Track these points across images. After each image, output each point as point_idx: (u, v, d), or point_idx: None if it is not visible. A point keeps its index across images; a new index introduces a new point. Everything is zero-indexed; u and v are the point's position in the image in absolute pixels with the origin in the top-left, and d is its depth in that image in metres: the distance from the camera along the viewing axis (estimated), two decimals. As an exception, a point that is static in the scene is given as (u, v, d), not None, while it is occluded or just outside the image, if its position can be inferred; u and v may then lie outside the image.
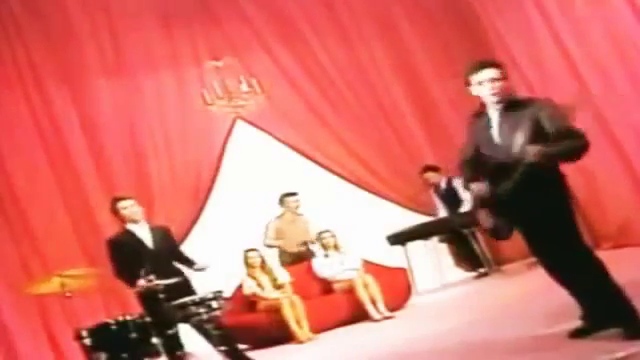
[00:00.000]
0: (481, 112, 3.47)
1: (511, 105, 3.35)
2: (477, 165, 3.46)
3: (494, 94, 3.34)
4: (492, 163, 3.34)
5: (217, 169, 7.82)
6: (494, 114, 3.39)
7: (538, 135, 3.16)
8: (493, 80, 3.34)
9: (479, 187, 3.38)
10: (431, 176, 7.71)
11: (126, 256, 5.08)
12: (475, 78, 3.38)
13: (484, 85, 3.35)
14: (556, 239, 3.24)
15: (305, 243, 7.41)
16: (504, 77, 3.36)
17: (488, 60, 3.52)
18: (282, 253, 7.41)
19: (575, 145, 3.16)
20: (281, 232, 7.41)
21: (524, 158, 3.13)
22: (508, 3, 7.27)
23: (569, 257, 3.24)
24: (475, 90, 3.41)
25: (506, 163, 3.22)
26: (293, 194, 7.49)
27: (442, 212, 7.72)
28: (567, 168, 3.34)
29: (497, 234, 3.44)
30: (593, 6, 6.21)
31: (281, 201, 7.51)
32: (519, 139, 3.18)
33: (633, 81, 6.01)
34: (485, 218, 3.42)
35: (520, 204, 3.23)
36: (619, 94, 6.13)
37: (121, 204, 5.31)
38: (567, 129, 3.16)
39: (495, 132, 3.36)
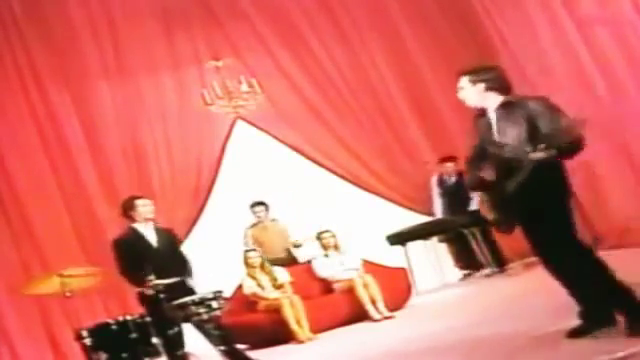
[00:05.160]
0: (483, 112, 3.54)
1: (508, 105, 3.40)
2: (483, 163, 3.49)
3: (465, 102, 3.54)
4: (496, 161, 3.38)
5: (217, 169, 7.83)
6: (492, 114, 3.47)
7: (532, 135, 3.22)
8: (461, 89, 3.53)
9: (488, 173, 3.43)
10: (449, 167, 7.61)
11: (132, 255, 5.10)
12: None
13: (459, 93, 3.56)
14: (555, 236, 3.26)
15: (286, 249, 7.38)
16: (476, 82, 3.46)
17: (467, 67, 3.59)
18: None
19: (566, 146, 3.17)
20: (258, 240, 7.32)
21: (525, 159, 3.17)
22: (510, 3, 7.25)
23: (569, 253, 3.26)
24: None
25: (509, 161, 3.28)
26: (259, 204, 7.42)
27: (438, 206, 7.71)
28: (569, 168, 3.36)
29: (499, 226, 3.52)
30: (599, 6, 6.20)
31: (251, 210, 7.46)
32: (516, 139, 3.26)
33: (638, 81, 6.00)
34: (486, 207, 3.48)
35: (521, 200, 3.26)
36: (623, 94, 6.13)
37: (140, 202, 5.35)
38: (561, 130, 3.18)
39: (495, 132, 3.43)
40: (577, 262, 3.26)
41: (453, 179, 7.64)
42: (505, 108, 3.40)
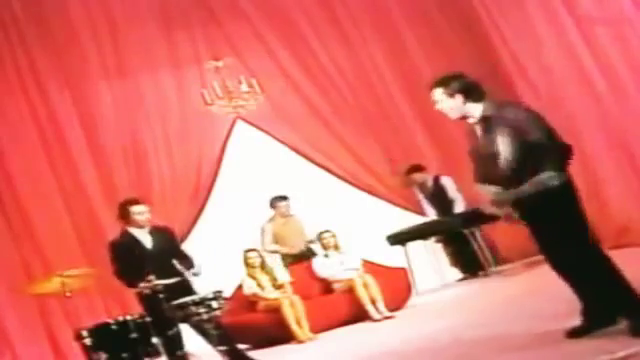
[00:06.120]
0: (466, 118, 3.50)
1: (489, 117, 3.34)
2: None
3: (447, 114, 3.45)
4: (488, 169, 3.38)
5: (217, 169, 7.84)
6: (477, 127, 3.42)
7: (522, 145, 3.19)
8: (437, 102, 3.45)
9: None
10: (417, 177, 7.68)
11: (127, 258, 5.08)
12: None
13: (437, 105, 3.47)
14: (563, 235, 3.25)
15: (307, 241, 7.41)
16: (454, 94, 3.38)
17: (439, 78, 3.51)
18: (284, 255, 7.37)
19: (546, 180, 3.14)
20: (279, 236, 7.36)
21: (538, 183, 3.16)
22: (511, 3, 7.25)
23: (576, 253, 3.24)
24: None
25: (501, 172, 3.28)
26: (284, 198, 7.43)
27: (429, 210, 7.71)
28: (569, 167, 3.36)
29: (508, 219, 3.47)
30: (599, 6, 6.19)
31: (272, 205, 7.45)
32: (507, 151, 3.24)
33: (638, 81, 6.00)
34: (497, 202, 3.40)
35: (527, 202, 3.25)
36: (623, 94, 6.12)
37: (136, 209, 5.24)
38: (549, 138, 3.18)
39: (483, 144, 3.39)
40: (585, 260, 3.24)
41: (430, 183, 7.65)
42: (487, 120, 3.34)
